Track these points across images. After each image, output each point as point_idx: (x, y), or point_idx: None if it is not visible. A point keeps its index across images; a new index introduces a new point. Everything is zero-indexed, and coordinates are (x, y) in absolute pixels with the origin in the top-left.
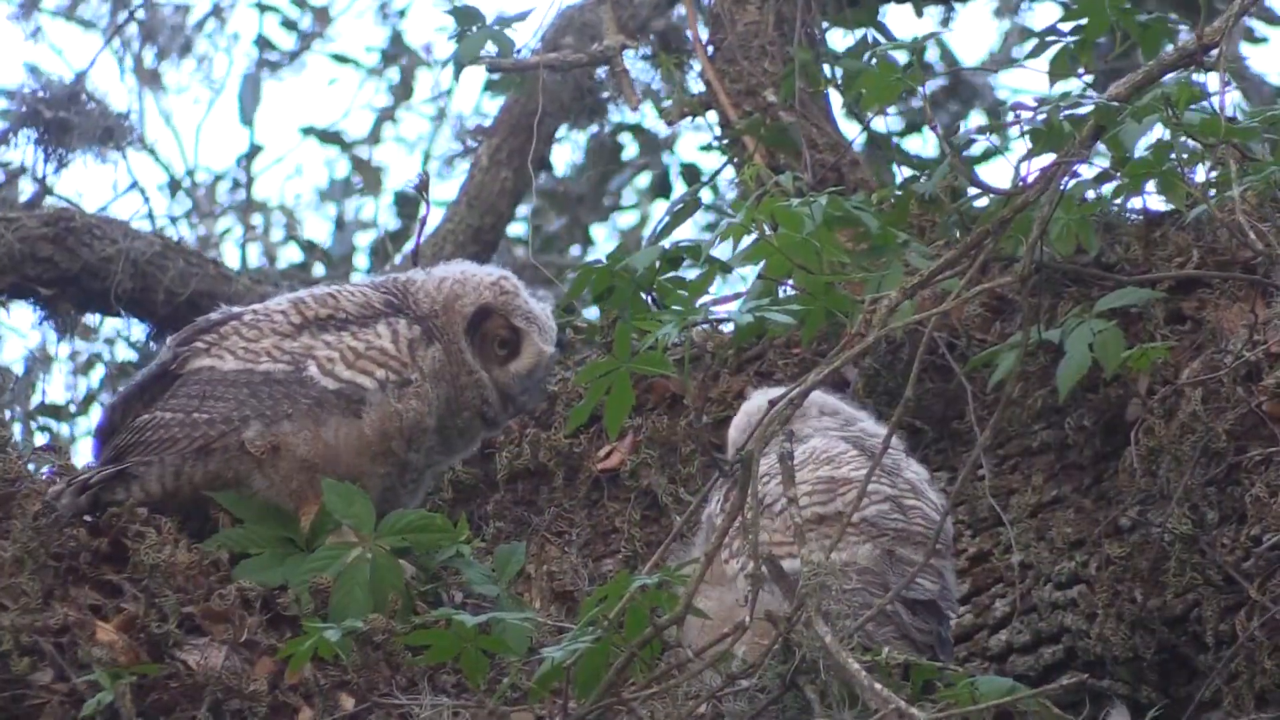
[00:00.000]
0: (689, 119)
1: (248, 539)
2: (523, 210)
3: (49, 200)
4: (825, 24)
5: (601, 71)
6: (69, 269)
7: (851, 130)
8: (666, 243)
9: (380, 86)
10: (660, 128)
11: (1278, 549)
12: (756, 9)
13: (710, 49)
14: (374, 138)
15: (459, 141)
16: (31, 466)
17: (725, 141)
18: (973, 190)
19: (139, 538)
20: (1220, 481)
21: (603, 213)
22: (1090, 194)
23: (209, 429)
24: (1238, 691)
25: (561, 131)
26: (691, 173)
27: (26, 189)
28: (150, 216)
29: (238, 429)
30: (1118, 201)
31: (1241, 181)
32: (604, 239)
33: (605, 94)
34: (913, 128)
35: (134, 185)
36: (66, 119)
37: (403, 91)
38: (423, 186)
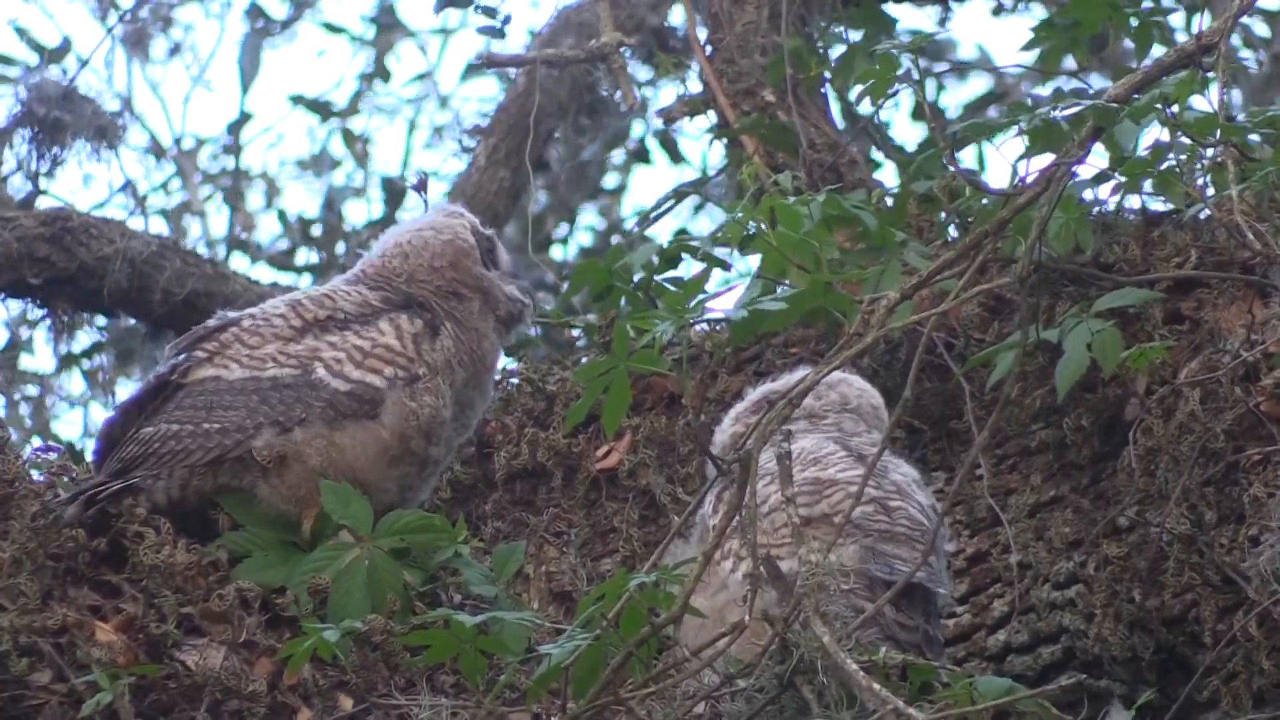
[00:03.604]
0: (688, 118)
1: (251, 542)
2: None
3: (42, 200)
4: (824, 24)
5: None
6: (66, 268)
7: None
8: (664, 239)
9: (369, 58)
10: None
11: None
12: (754, 8)
13: (709, 48)
14: (353, 108)
15: (456, 142)
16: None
17: (724, 140)
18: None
19: (138, 538)
20: (1218, 481)
21: (587, 190)
22: (1087, 194)
23: (223, 438)
24: (1235, 691)
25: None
26: (668, 141)
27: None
28: (143, 214)
29: (252, 437)
30: (1113, 201)
31: (1240, 181)
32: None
33: (604, 91)
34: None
35: (126, 185)
36: (60, 118)
37: (380, 70)
38: (422, 186)
